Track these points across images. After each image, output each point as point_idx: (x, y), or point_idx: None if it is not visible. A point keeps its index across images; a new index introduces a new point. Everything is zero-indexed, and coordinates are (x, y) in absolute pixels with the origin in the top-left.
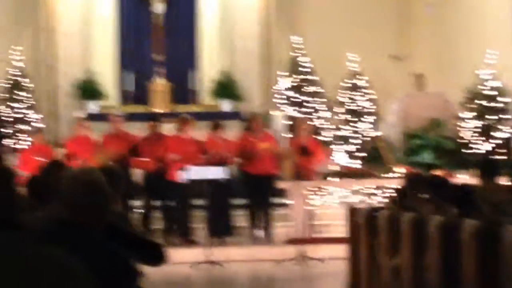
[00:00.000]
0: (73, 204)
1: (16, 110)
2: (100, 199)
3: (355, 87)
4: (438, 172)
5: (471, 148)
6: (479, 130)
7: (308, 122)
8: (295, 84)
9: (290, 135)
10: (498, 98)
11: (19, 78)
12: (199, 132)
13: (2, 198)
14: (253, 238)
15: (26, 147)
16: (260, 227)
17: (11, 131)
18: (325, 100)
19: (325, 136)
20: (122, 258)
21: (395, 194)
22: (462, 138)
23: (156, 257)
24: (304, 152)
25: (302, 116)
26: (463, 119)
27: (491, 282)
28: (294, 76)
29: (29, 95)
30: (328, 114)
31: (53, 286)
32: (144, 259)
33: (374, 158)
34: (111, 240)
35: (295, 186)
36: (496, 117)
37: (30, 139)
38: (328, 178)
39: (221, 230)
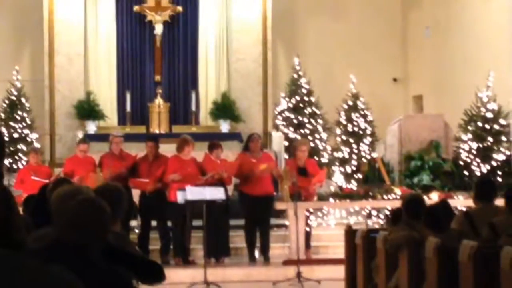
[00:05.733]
0: (70, 223)
1: (14, 129)
2: (98, 218)
3: (354, 109)
4: (436, 194)
5: (470, 170)
6: (478, 152)
7: (307, 143)
8: (294, 105)
9: (289, 156)
10: (499, 120)
11: (18, 98)
12: (198, 153)
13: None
14: (251, 259)
15: (24, 166)
16: (258, 248)
17: (9, 151)
18: (323, 121)
19: (323, 157)
20: (121, 278)
21: (390, 216)
22: (460, 160)
23: (155, 277)
24: (302, 173)
25: (301, 137)
26: (461, 141)
27: None
28: (293, 97)
29: (28, 115)
30: (326, 135)
31: None
32: (142, 278)
33: (372, 180)
34: (110, 260)
35: (293, 207)
36: (494, 139)
37: (27, 158)
38: (326, 199)
39: (218, 250)
